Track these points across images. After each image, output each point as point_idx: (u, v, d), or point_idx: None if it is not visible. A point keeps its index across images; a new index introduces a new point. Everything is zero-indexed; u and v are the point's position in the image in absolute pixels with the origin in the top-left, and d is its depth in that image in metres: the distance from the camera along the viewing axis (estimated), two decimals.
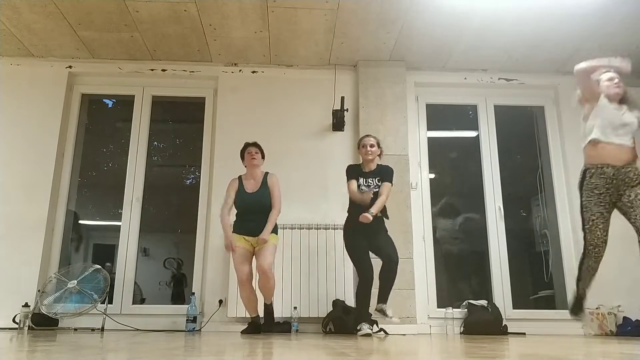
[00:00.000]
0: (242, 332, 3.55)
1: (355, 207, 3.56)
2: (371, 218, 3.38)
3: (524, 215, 4.89)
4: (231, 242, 3.53)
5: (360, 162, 3.73)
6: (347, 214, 3.63)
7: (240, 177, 3.73)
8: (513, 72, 4.61)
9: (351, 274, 3.94)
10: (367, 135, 3.75)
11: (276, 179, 3.69)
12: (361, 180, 3.64)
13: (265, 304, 3.63)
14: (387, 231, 3.64)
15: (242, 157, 3.75)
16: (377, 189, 3.59)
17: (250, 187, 3.66)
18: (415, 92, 4.56)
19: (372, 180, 3.64)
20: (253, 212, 3.61)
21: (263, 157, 3.76)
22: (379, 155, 3.74)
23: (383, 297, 3.45)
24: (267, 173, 3.71)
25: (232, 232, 3.59)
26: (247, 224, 3.60)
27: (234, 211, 3.67)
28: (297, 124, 4.38)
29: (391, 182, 3.64)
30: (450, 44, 4.21)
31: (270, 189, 3.65)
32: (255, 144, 3.75)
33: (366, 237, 3.55)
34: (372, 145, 3.65)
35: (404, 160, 4.27)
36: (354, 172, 3.70)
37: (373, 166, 3.67)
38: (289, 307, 3.85)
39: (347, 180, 3.66)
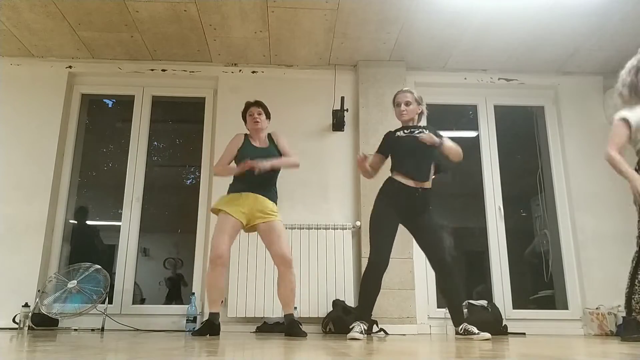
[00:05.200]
0: (193, 333, 3.11)
1: (399, 161, 2.90)
2: (436, 139, 2.74)
3: (524, 215, 4.89)
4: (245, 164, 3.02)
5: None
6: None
7: (246, 135, 3.37)
8: (513, 72, 4.61)
9: (351, 274, 3.94)
10: (402, 91, 3.11)
11: (280, 133, 3.39)
12: (399, 132, 3.03)
13: (286, 315, 3.11)
14: (432, 211, 2.98)
15: (244, 119, 3.41)
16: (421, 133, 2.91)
17: (259, 143, 3.32)
18: (415, 92, 4.55)
19: (415, 130, 2.98)
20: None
21: (268, 117, 3.40)
22: (420, 115, 3.09)
23: (457, 316, 2.92)
24: (269, 133, 3.39)
25: (228, 192, 3.22)
26: (249, 179, 3.09)
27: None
28: (297, 124, 4.38)
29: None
30: (450, 44, 4.21)
31: (278, 145, 3.29)
32: (257, 103, 3.36)
33: (401, 214, 2.91)
34: (407, 103, 3.03)
35: None
36: (388, 136, 3.05)
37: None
38: None
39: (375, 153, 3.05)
